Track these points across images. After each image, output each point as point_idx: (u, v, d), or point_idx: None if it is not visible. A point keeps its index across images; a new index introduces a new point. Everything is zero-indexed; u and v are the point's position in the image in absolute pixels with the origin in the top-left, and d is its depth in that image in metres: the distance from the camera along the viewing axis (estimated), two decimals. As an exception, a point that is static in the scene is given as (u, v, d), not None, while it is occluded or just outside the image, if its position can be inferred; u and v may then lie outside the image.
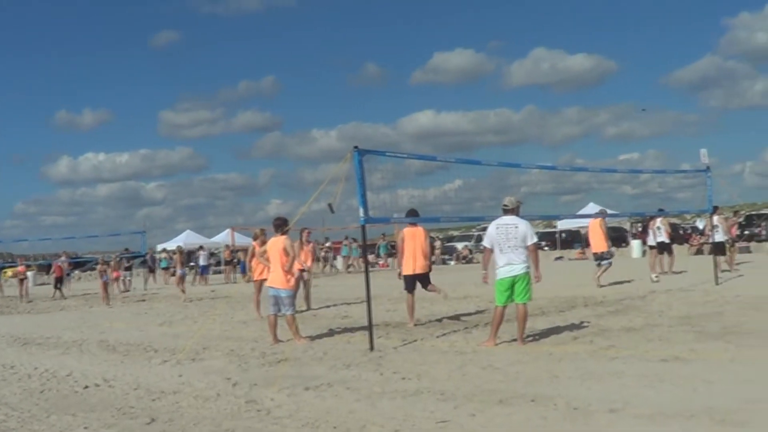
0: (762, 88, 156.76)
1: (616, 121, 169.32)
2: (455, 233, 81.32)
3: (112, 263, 33.09)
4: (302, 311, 21.26)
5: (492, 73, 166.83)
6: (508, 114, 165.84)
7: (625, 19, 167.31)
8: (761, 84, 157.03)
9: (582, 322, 15.80)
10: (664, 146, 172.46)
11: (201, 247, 49.70)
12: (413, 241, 16.95)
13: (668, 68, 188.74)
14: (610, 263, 24.94)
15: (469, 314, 18.67)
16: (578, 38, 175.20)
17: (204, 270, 45.80)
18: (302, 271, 22.44)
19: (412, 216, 16.22)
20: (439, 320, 17.46)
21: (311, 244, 23.12)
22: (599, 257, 24.98)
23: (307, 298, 22.67)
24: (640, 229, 48.72)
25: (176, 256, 32.83)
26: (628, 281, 25.12)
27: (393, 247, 48.38)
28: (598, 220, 25.24)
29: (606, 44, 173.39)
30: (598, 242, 25.20)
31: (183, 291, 29.86)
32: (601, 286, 23.86)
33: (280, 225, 15.50)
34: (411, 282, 17.06)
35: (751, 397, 8.65)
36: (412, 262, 17.00)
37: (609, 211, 27.64)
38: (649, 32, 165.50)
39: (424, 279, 17.10)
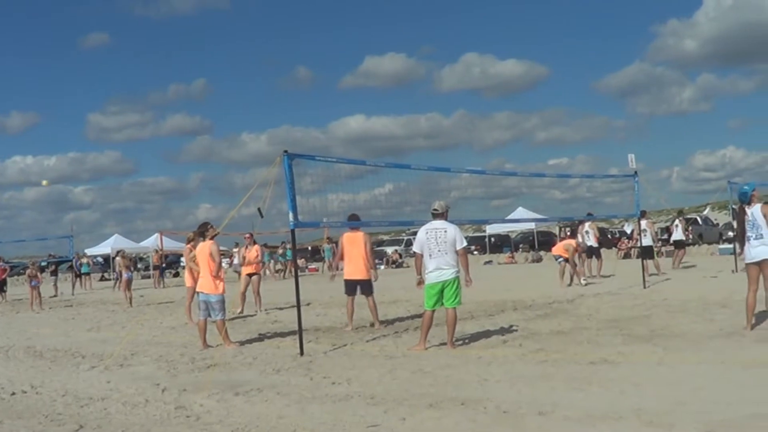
0: (690, 95, 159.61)
1: (546, 126, 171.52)
2: (385, 237, 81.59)
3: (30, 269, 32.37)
4: (255, 314, 21.63)
5: (423, 77, 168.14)
6: (438, 119, 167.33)
7: (556, 26, 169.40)
8: (689, 90, 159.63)
9: (511, 326, 15.88)
10: (593, 151, 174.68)
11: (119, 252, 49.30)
12: (352, 246, 16.97)
13: (598, 74, 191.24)
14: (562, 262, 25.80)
15: (399, 319, 18.69)
16: (509, 44, 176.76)
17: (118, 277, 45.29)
18: (252, 275, 22.44)
19: (353, 220, 16.23)
20: (370, 325, 17.46)
21: (256, 246, 23.01)
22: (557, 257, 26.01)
23: (257, 300, 22.56)
24: (568, 233, 49.13)
25: (120, 261, 32.28)
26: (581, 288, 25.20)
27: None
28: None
29: (537, 50, 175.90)
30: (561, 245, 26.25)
31: (129, 297, 28.94)
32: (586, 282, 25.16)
33: (203, 231, 15.45)
34: (351, 287, 17.11)
35: (678, 399, 8.76)
36: (351, 267, 17.04)
37: (538, 216, 27.89)
38: (579, 38, 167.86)
39: (364, 285, 17.10)
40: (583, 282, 25.66)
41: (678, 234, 28.36)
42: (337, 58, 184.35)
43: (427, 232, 13.52)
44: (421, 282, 13.72)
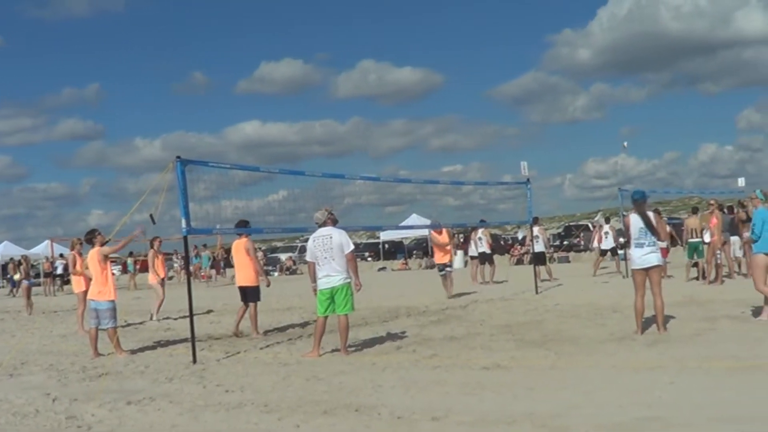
0: (583, 103, 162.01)
1: (440, 134, 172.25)
2: (279, 244, 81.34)
3: None
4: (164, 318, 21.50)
5: (319, 83, 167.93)
6: (334, 125, 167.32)
7: (453, 34, 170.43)
8: (582, 99, 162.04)
9: (405, 332, 15.93)
10: (487, 158, 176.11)
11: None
12: (237, 253, 16.92)
13: (493, 82, 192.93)
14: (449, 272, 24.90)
15: (293, 325, 18.62)
16: (406, 51, 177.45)
17: (14, 284, 44.45)
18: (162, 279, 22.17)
19: (241, 227, 16.12)
20: (263, 331, 17.36)
21: (162, 255, 22.79)
22: (447, 266, 24.97)
23: (157, 309, 22.24)
24: (462, 239, 49.44)
25: (22, 267, 31.45)
26: (456, 295, 25.27)
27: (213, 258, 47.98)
28: (446, 230, 25.11)
29: (433, 58, 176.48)
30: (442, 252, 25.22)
31: (30, 304, 28.15)
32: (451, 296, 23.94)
33: (90, 237, 15.25)
34: (241, 294, 17.00)
35: (570, 403, 8.86)
36: (238, 274, 17.02)
37: (430, 222, 27.93)
38: (475, 47, 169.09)
39: (249, 292, 17.00)
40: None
41: (539, 245, 28.63)
42: (233, 63, 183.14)
43: (314, 240, 13.59)
44: (316, 289, 13.68)
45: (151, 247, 22.86)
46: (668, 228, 21.32)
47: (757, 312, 14.97)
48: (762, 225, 14.35)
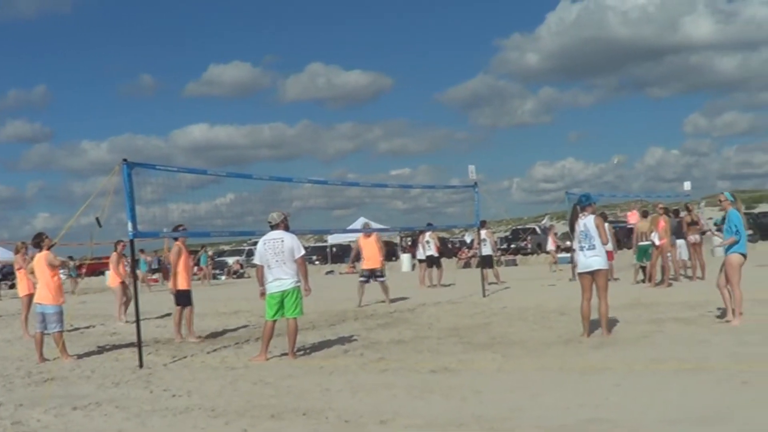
0: (531, 107, 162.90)
1: (389, 137, 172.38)
2: (226, 248, 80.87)
3: None
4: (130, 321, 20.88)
5: (268, 87, 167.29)
6: (282, 128, 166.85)
7: (402, 37, 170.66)
8: (531, 103, 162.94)
9: (352, 336, 15.92)
10: (436, 162, 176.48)
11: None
12: (172, 257, 16.78)
13: (442, 86, 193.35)
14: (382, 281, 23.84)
15: (240, 329, 18.55)
16: (355, 55, 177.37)
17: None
18: (122, 283, 21.91)
19: (177, 230, 15.99)
20: (210, 335, 17.28)
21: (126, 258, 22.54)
22: (376, 274, 23.79)
23: (124, 310, 21.99)
24: (409, 243, 49.52)
25: None
26: (404, 298, 25.24)
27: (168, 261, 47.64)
28: (374, 235, 24.44)
29: (382, 61, 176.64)
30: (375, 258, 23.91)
31: None
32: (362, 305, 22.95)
33: (38, 241, 15.11)
34: (174, 297, 16.90)
35: (517, 405, 8.89)
36: (174, 277, 16.88)
37: (378, 225, 27.91)
38: (424, 51, 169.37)
39: (179, 296, 16.91)
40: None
41: (487, 249, 28.62)
42: (181, 66, 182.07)
43: (264, 243, 13.52)
44: (263, 293, 13.61)
45: (115, 249, 22.63)
46: (612, 231, 21.47)
47: (723, 314, 15.05)
48: (739, 226, 14.41)
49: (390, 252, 60.82)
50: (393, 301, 23.44)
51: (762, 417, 7.82)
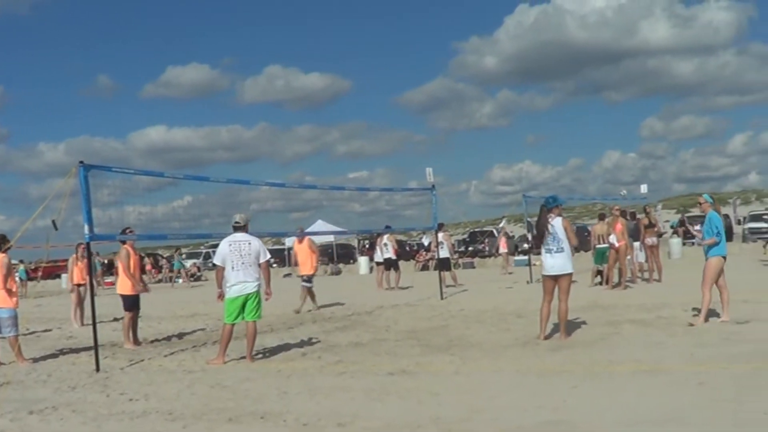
0: (489, 110, 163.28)
1: (347, 140, 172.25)
2: (184, 250, 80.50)
3: None
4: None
5: (226, 89, 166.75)
6: (240, 131, 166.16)
7: (361, 40, 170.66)
8: (489, 106, 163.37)
9: (310, 339, 15.90)
10: (393, 165, 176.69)
11: None
12: (118, 260, 16.56)
13: (400, 89, 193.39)
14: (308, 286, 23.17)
15: (198, 332, 18.48)
16: (314, 57, 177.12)
17: None
18: (79, 285, 21.65)
19: (125, 234, 15.81)
20: (167, 339, 17.21)
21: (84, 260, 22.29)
22: (303, 278, 23.30)
23: (80, 314, 21.77)
24: (367, 245, 49.54)
25: None
26: (339, 303, 25.22)
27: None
28: (307, 240, 23.82)
29: (341, 64, 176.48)
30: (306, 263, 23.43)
31: None
32: (298, 311, 22.30)
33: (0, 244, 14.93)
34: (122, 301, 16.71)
35: (475, 407, 8.91)
36: (118, 281, 16.71)
37: (338, 229, 27.83)
38: (382, 53, 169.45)
39: (125, 300, 16.63)
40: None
41: (444, 251, 28.63)
42: (139, 67, 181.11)
43: (230, 245, 13.38)
44: (221, 295, 13.54)
45: (75, 252, 22.37)
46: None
47: (717, 313, 15.13)
48: (718, 228, 14.47)
49: (348, 255, 61.03)
50: (321, 306, 23.19)
51: (718, 418, 7.88)
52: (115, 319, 21.84)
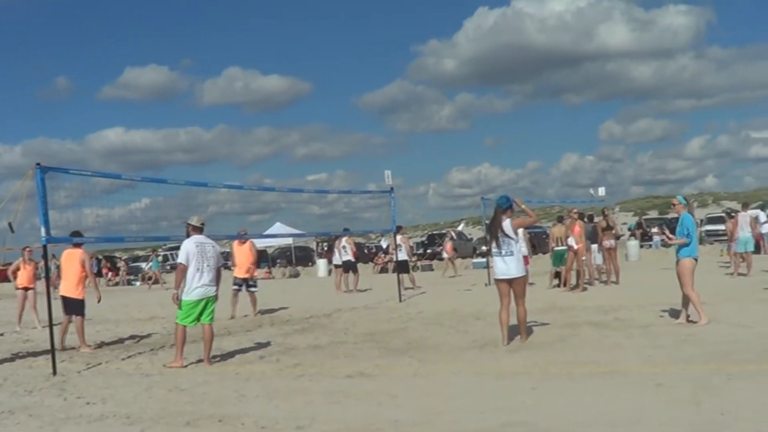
0: (448, 113, 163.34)
1: (306, 142, 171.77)
2: (141, 253, 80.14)
3: None
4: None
5: (185, 91, 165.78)
6: (199, 132, 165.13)
7: (320, 42, 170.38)
8: (448, 109, 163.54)
9: (268, 341, 15.85)
10: (352, 167, 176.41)
11: None
12: (68, 263, 16.23)
13: (359, 91, 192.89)
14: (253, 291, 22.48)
15: (155, 335, 18.38)
16: (273, 59, 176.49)
17: None
18: (26, 289, 21.42)
19: (75, 236, 15.61)
20: (122, 341, 17.11)
21: (33, 263, 22.01)
22: (249, 283, 22.50)
23: (36, 315, 21.54)
24: (326, 248, 49.51)
25: None
26: (280, 309, 25.20)
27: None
28: (249, 242, 22.94)
29: (300, 66, 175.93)
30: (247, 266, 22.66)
31: None
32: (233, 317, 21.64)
33: None
34: (63, 304, 16.44)
35: (434, 409, 8.93)
36: (64, 284, 16.43)
37: (296, 231, 27.73)
38: (342, 56, 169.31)
39: (71, 304, 16.27)
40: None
41: (403, 254, 28.46)
42: (97, 69, 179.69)
43: (197, 246, 13.28)
44: (178, 297, 13.38)
45: (22, 255, 22.15)
46: (527, 236, 21.62)
47: (674, 314, 15.23)
48: (691, 230, 14.54)
49: (306, 257, 60.97)
50: (263, 312, 22.62)
51: (675, 419, 7.94)
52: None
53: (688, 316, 14.73)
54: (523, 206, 13.98)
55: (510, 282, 13.64)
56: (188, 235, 13.48)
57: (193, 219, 13.61)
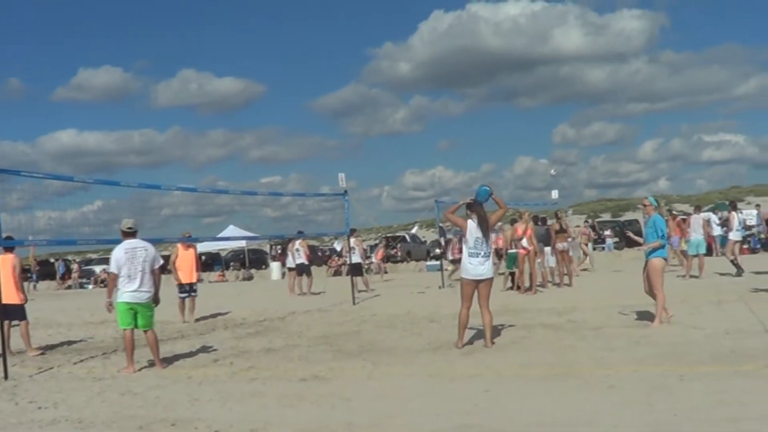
0: (402, 116, 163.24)
1: (260, 145, 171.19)
2: (94, 256, 79.58)
3: None
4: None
5: (138, 92, 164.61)
6: (152, 134, 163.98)
7: (274, 45, 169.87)
8: (402, 112, 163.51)
9: (222, 345, 15.79)
10: (306, 170, 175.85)
11: None
12: (2, 268, 15.93)
13: (313, 94, 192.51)
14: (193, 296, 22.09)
15: (108, 339, 18.25)
16: (228, 62, 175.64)
17: None
18: None
19: (7, 240, 15.30)
20: (72, 344, 16.97)
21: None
22: (192, 288, 22.12)
23: None
24: (279, 251, 49.36)
25: None
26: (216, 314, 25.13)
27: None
28: (194, 248, 22.71)
29: (255, 69, 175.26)
30: (191, 271, 22.25)
31: None
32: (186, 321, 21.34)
33: None
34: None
35: (388, 412, 8.94)
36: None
37: (250, 234, 27.64)
38: (296, 58, 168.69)
39: (12, 310, 15.41)
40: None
41: (356, 257, 28.45)
42: (50, 70, 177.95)
43: (126, 252, 13.10)
44: (111, 304, 13.27)
45: None
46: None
47: (644, 316, 15.30)
48: (663, 231, 14.58)
49: (260, 260, 60.81)
50: (214, 316, 22.42)
51: (628, 420, 8.00)
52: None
53: (670, 316, 14.84)
54: (496, 198, 13.82)
55: (478, 283, 13.36)
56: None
57: (122, 223, 13.50)
